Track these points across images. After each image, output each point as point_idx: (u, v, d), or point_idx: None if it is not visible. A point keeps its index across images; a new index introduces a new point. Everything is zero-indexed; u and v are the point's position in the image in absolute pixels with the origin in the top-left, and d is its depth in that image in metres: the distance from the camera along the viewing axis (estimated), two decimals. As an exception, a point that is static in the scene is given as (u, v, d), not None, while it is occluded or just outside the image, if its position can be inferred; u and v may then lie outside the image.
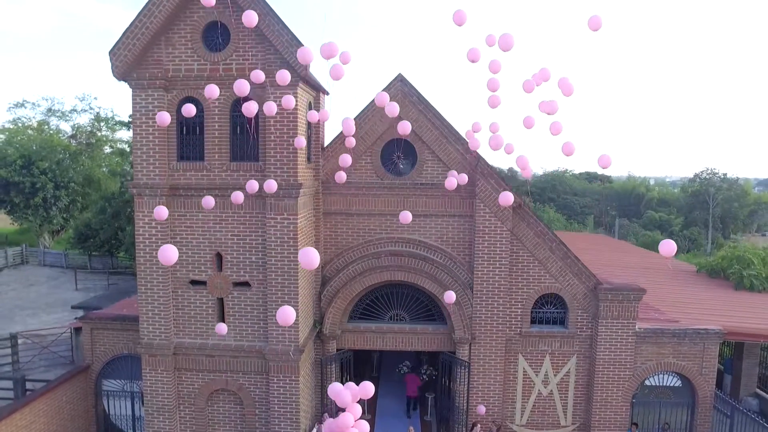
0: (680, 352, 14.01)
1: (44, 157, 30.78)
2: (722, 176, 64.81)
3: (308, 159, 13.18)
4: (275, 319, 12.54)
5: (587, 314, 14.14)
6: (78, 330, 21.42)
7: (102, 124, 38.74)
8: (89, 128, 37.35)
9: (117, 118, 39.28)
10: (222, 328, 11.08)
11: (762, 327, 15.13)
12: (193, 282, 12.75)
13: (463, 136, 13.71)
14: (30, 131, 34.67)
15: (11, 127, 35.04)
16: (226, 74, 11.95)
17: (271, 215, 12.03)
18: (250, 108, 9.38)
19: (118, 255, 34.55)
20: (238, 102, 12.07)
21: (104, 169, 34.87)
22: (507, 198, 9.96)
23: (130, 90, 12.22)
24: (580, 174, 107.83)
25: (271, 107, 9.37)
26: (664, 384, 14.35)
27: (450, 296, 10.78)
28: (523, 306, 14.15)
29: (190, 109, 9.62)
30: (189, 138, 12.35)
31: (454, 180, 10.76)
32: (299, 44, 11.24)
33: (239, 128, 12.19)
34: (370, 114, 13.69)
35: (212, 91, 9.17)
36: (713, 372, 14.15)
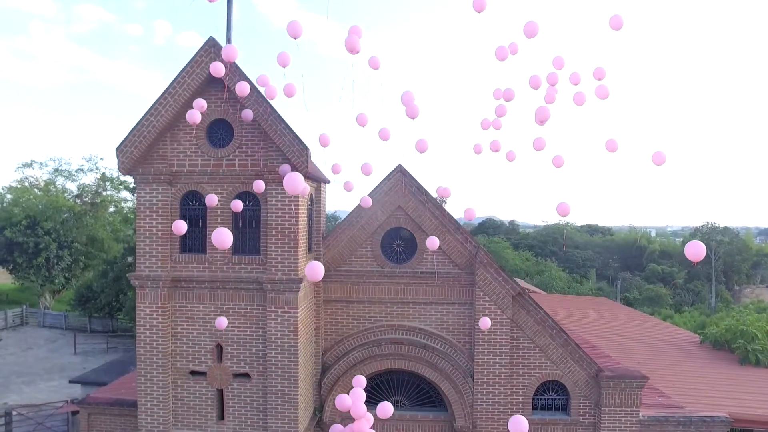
0: (686, 441, 13.80)
1: (49, 217, 31.08)
2: (723, 228, 64.85)
3: (309, 249, 13.33)
4: (275, 410, 12.57)
5: (590, 401, 13.99)
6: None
7: (107, 183, 39.25)
8: (94, 188, 37.81)
9: (122, 178, 39.87)
10: (222, 321, 11.01)
11: (769, 412, 14.94)
12: (193, 372, 12.71)
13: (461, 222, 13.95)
14: (36, 190, 35.09)
15: (18, 186, 35.49)
16: (229, 170, 12.23)
17: (271, 308, 12.09)
18: (237, 206, 9.99)
19: (118, 317, 34.42)
20: (241, 197, 12.33)
21: (108, 229, 35.07)
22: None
23: (135, 184, 12.53)
24: (582, 227, 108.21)
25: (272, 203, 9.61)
26: (671, 474, 14.07)
27: (432, 241, 11.14)
28: (524, 393, 14.03)
29: (237, 206, 10.03)
30: (192, 230, 12.53)
31: (436, 241, 11.17)
32: (302, 146, 11.56)
33: (241, 222, 12.39)
34: (371, 203, 13.90)
35: (212, 200, 9.57)
36: (720, 461, 13.90)
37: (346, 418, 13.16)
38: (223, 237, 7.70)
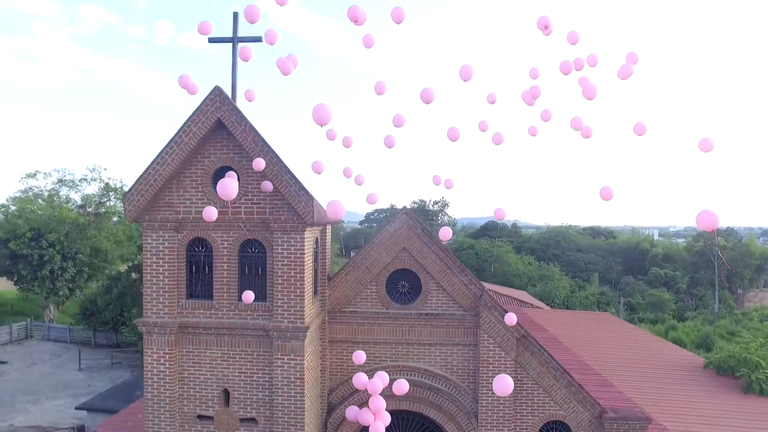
0: (689, 481, 13.88)
1: (53, 228, 31.16)
2: (726, 231, 64.70)
3: (314, 292, 13.41)
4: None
5: (594, 440, 14.07)
6: (81, 428, 21.32)
7: (111, 194, 39.37)
8: (98, 199, 37.91)
9: (126, 189, 39.96)
10: (249, 295, 11.06)
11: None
12: (201, 417, 12.81)
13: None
14: (41, 201, 35.18)
15: (23, 197, 35.56)
16: (235, 217, 12.30)
17: (278, 355, 12.17)
18: (268, 186, 11.18)
19: (123, 330, 34.58)
20: (246, 244, 12.41)
21: (111, 240, 35.11)
22: (511, 319, 11.16)
23: (142, 230, 12.63)
24: (584, 229, 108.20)
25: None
26: None
27: (258, 163, 11.09)
28: (528, 433, 14.11)
29: (267, 186, 11.10)
30: (198, 276, 12.63)
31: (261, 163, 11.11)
32: (307, 196, 11.63)
33: (247, 269, 12.47)
34: (377, 245, 14.00)
35: (259, 163, 10.34)
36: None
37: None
38: (228, 188, 8.14)
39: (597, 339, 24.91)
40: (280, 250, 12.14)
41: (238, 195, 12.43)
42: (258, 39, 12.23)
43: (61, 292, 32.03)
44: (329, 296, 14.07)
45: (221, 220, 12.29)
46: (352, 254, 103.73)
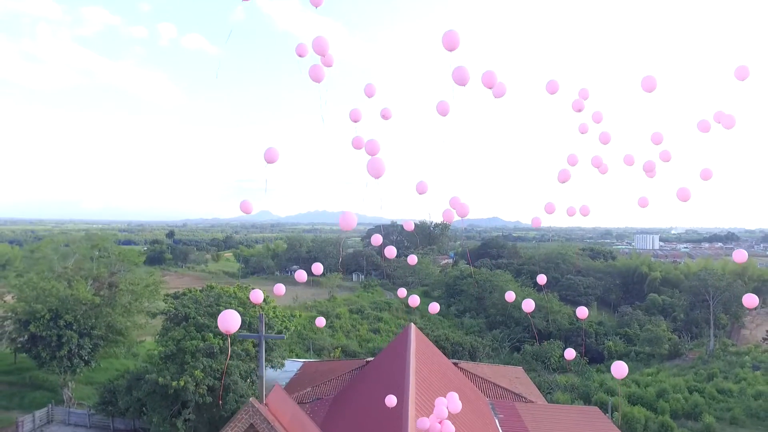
0: None
1: (70, 309, 32.36)
2: (720, 275, 65.88)
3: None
4: None
5: None
6: None
7: (123, 262, 40.92)
8: (108, 276, 38.78)
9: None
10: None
11: None
12: None
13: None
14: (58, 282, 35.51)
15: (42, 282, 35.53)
16: None
17: None
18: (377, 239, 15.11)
19: (142, 417, 35.75)
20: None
21: (125, 317, 36.42)
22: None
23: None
24: (583, 250, 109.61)
25: None
26: None
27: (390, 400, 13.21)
28: None
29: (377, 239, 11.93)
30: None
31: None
32: None
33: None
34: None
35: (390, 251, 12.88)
36: None
37: None
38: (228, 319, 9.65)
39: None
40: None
41: None
42: (281, 335, 13.99)
43: (78, 370, 33.49)
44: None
45: None
46: (353, 277, 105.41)
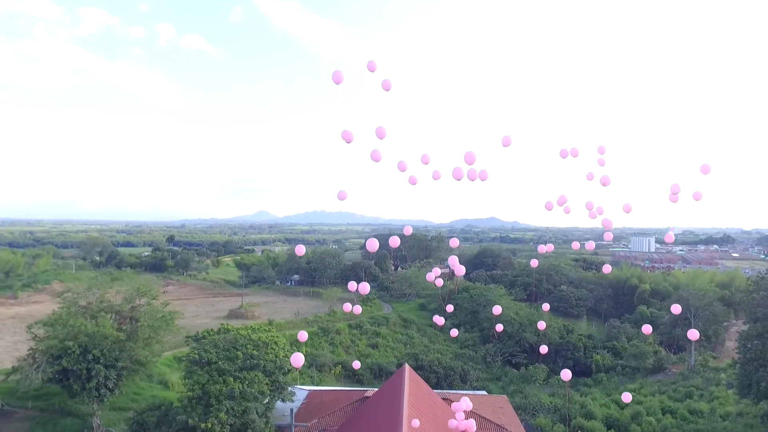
0: None
1: (97, 344, 35.48)
2: (702, 294, 69.47)
3: None
4: None
5: None
6: None
7: (143, 298, 43.90)
8: (129, 311, 41.60)
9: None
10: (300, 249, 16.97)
11: None
12: None
13: None
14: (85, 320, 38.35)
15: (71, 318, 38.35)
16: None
17: None
18: (395, 241, 17.34)
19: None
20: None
21: (146, 351, 39.47)
22: None
23: None
24: (576, 261, 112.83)
25: None
26: None
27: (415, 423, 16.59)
28: None
29: (395, 241, 17.33)
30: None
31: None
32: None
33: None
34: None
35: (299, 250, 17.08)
36: None
37: None
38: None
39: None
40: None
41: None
42: (304, 424, 16.84)
43: (105, 399, 36.64)
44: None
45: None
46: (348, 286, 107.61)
